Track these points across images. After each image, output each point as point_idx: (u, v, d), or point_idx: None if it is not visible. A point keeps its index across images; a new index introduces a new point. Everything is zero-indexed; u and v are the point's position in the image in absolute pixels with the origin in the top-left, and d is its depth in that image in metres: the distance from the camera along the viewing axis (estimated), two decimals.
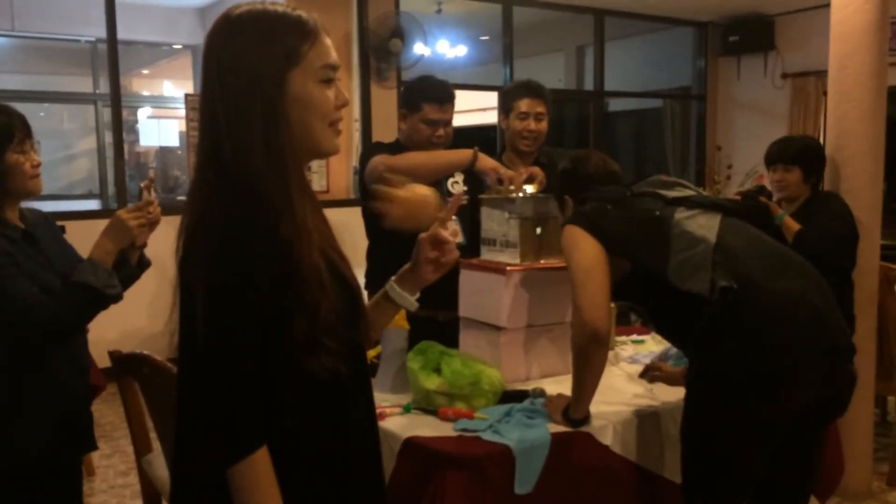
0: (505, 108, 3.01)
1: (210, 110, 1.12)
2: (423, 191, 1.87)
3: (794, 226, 2.93)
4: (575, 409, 1.88)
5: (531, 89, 2.97)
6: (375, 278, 2.65)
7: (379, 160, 2.45)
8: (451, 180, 2.72)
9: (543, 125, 2.94)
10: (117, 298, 1.82)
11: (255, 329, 1.07)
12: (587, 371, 1.86)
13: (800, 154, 3.02)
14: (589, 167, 2.14)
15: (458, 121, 8.54)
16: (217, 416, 1.06)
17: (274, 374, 1.09)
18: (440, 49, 7.78)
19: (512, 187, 2.31)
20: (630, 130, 9.40)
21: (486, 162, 2.40)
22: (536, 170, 2.54)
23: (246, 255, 1.06)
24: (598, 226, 1.91)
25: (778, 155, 3.05)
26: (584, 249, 1.90)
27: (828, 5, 3.07)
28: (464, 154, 2.43)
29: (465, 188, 2.72)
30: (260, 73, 1.11)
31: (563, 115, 9.29)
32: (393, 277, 1.42)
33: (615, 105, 8.70)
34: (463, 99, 7.92)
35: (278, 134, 1.11)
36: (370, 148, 2.73)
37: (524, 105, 2.92)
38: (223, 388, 1.06)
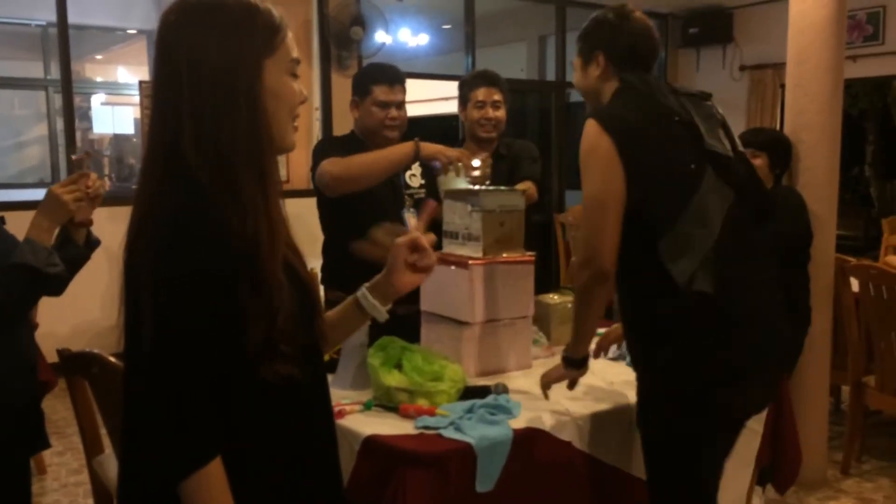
0: (463, 98, 3.03)
1: (171, 102, 1.06)
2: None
3: None
4: (574, 349, 1.86)
5: (487, 78, 3.00)
6: (332, 274, 2.62)
7: (326, 169, 2.41)
8: (408, 172, 2.70)
9: (501, 113, 2.97)
10: (60, 278, 1.75)
11: (206, 330, 1.01)
12: (589, 308, 1.83)
13: (769, 142, 3.09)
14: (634, 25, 1.93)
15: (421, 110, 8.46)
16: (166, 425, 1.00)
17: (227, 379, 1.04)
18: (402, 37, 7.71)
19: (461, 165, 2.30)
20: None
21: (428, 149, 2.38)
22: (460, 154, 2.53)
23: (198, 251, 1.01)
24: (631, 152, 1.74)
25: (747, 140, 3.08)
26: (606, 177, 1.75)
27: None
28: (406, 147, 2.40)
29: (423, 181, 2.70)
30: (239, 63, 1.06)
31: (525, 105, 9.29)
32: (366, 285, 1.36)
33: (577, 95, 8.72)
34: (425, 88, 7.88)
35: (258, 126, 1.08)
36: (320, 146, 2.67)
37: (481, 94, 2.95)
38: (172, 395, 1.00)
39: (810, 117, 2.92)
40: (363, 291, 1.35)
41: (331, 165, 2.42)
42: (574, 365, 1.88)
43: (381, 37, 5.86)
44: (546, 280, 6.41)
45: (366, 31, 5.61)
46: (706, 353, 1.74)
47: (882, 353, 3.20)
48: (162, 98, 1.08)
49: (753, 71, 7.05)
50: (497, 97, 2.96)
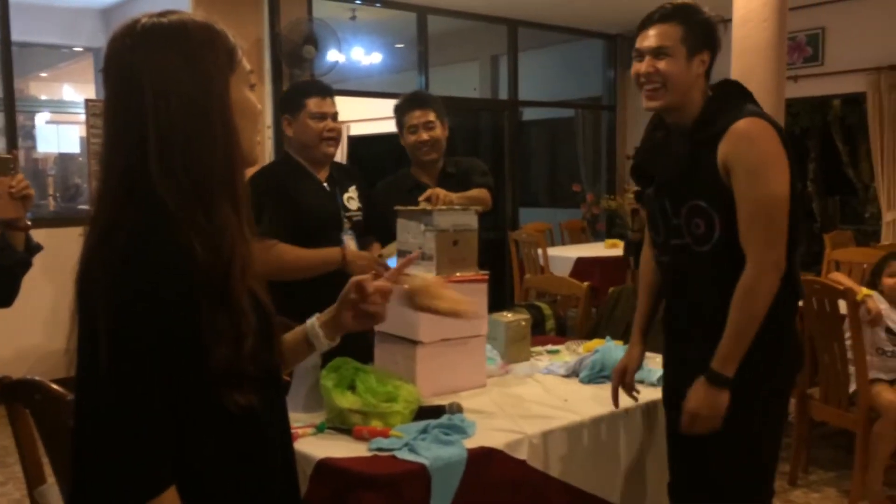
0: (399, 124, 2.99)
1: (133, 127, 1.03)
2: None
3: None
4: (730, 364, 1.77)
5: (415, 101, 2.97)
6: (276, 301, 2.55)
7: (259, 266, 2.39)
8: (346, 195, 2.67)
9: (437, 132, 2.92)
10: None
11: (164, 356, 0.99)
12: (756, 315, 1.77)
13: None
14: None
15: (375, 128, 8.46)
16: (121, 452, 0.97)
17: (184, 407, 1.01)
18: (355, 56, 7.72)
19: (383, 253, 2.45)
20: (544, 139, 9.57)
21: (356, 260, 2.39)
22: (436, 191, 2.54)
23: (157, 275, 0.99)
24: (788, 154, 1.78)
25: None
26: (786, 178, 1.76)
27: (730, 20, 3.19)
28: (333, 256, 2.44)
29: (360, 204, 2.69)
30: (210, 85, 1.05)
31: (478, 123, 9.36)
32: (317, 315, 1.36)
33: (529, 114, 8.84)
34: (378, 106, 7.87)
35: (232, 145, 1.07)
36: (253, 187, 2.58)
37: (412, 118, 2.92)
38: (127, 421, 0.97)
39: None
40: (312, 322, 1.35)
41: (259, 251, 2.38)
42: (727, 384, 1.78)
43: (333, 55, 5.86)
44: (500, 298, 6.44)
45: (318, 49, 5.60)
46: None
47: (826, 365, 3.29)
48: (122, 123, 1.05)
49: None
50: (429, 118, 2.90)
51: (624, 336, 2.86)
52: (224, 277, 1.03)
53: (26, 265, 1.81)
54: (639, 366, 2.12)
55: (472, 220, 2.26)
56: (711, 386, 1.79)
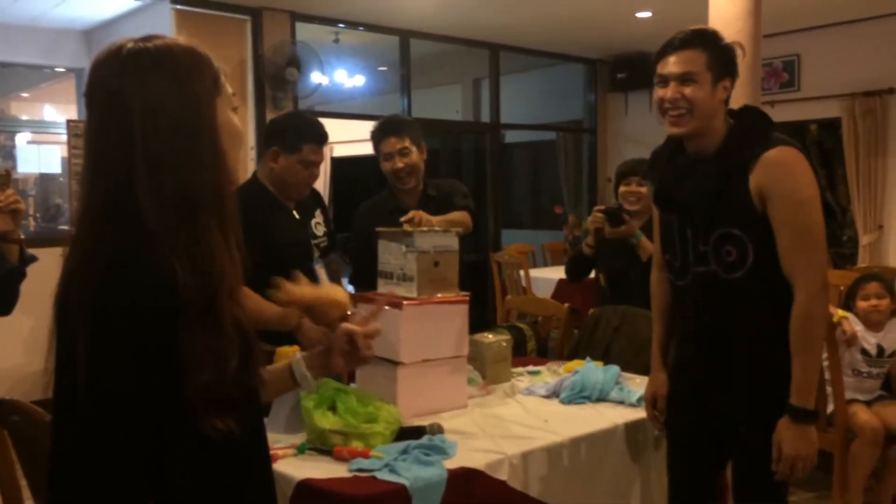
0: (376, 151, 3.00)
1: (119, 150, 1.03)
2: (333, 293, 1.80)
3: (650, 246, 3.01)
4: (809, 395, 1.77)
5: (388, 128, 2.95)
6: None
7: None
8: (314, 221, 2.65)
9: (412, 158, 2.92)
10: None
11: (142, 380, 0.99)
12: (818, 338, 1.82)
13: None
14: None
15: (357, 150, 8.48)
16: (95, 477, 0.97)
17: (163, 431, 1.01)
18: (338, 78, 7.77)
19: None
20: (526, 161, 9.64)
21: (308, 333, 2.23)
22: (418, 214, 2.55)
23: (139, 296, 0.99)
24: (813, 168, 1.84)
25: (633, 170, 3.21)
26: (819, 202, 1.82)
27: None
28: (291, 318, 2.27)
29: (325, 229, 2.69)
30: (199, 108, 1.06)
31: (461, 146, 9.42)
32: (302, 354, 1.40)
33: (512, 137, 8.91)
34: (362, 128, 7.92)
35: (220, 166, 1.08)
36: None
37: (386, 146, 2.92)
38: (102, 445, 0.97)
39: None
40: (298, 360, 1.38)
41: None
42: (813, 417, 1.79)
43: (317, 77, 5.90)
44: (483, 319, 6.45)
45: (301, 72, 5.64)
46: None
47: None
48: (108, 145, 1.05)
49: None
50: (403, 144, 2.90)
51: (604, 357, 2.88)
52: (211, 301, 1.03)
53: (21, 275, 1.84)
54: (666, 392, 2.10)
55: (452, 242, 2.28)
56: (800, 423, 1.78)
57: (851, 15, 6.02)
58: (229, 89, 1.14)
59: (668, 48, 1.88)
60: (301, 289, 2.37)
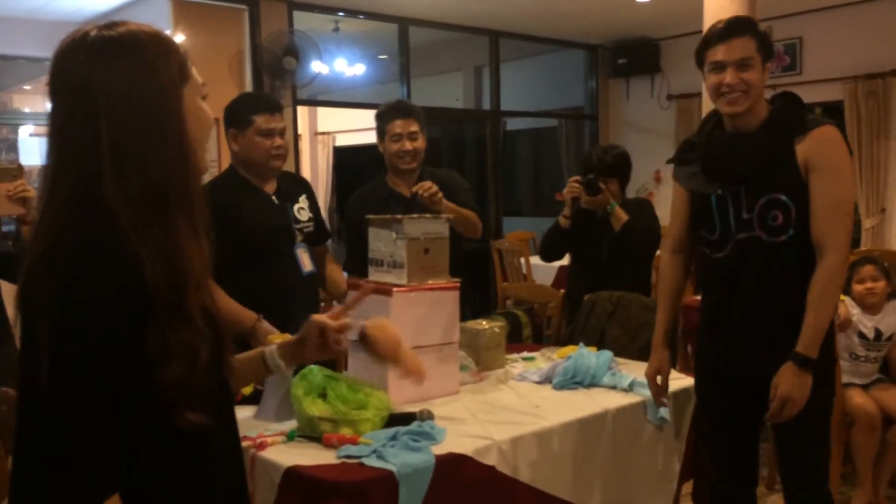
0: (380, 131, 3.00)
1: (85, 141, 1.02)
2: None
3: (624, 216, 3.12)
4: (815, 347, 1.93)
5: (401, 110, 2.97)
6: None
7: None
8: (297, 206, 2.63)
9: (419, 143, 2.96)
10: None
11: (107, 373, 0.98)
12: (835, 300, 1.99)
13: (622, 165, 3.29)
14: None
15: (358, 139, 8.48)
16: (57, 474, 0.95)
17: (131, 423, 1.00)
18: (338, 67, 7.75)
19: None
20: (528, 148, 9.61)
21: (262, 338, 2.23)
22: (426, 184, 2.58)
23: (104, 286, 0.98)
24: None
25: (603, 160, 3.28)
26: (852, 177, 2.01)
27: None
28: (248, 319, 2.32)
29: (311, 214, 2.67)
30: (165, 95, 1.05)
31: (462, 133, 9.40)
32: (277, 344, 1.41)
33: (514, 124, 8.88)
34: (363, 117, 7.92)
35: (187, 153, 1.07)
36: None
37: (397, 127, 2.93)
38: (66, 436, 0.96)
39: None
40: (271, 350, 1.39)
41: None
42: (813, 366, 1.94)
43: (317, 66, 5.88)
44: (486, 306, 6.45)
45: (299, 61, 5.62)
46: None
47: None
48: (73, 136, 1.04)
49: (680, 100, 7.29)
50: (413, 128, 2.93)
51: (600, 343, 2.89)
52: (179, 292, 1.02)
53: None
54: (669, 369, 2.24)
55: (443, 228, 2.28)
56: (800, 369, 1.94)
57: None
58: (198, 76, 1.13)
59: (718, 37, 2.04)
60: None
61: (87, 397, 0.97)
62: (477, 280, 6.76)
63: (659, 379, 2.21)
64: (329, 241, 2.91)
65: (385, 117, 2.96)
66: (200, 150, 1.12)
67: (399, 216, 2.24)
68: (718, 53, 2.03)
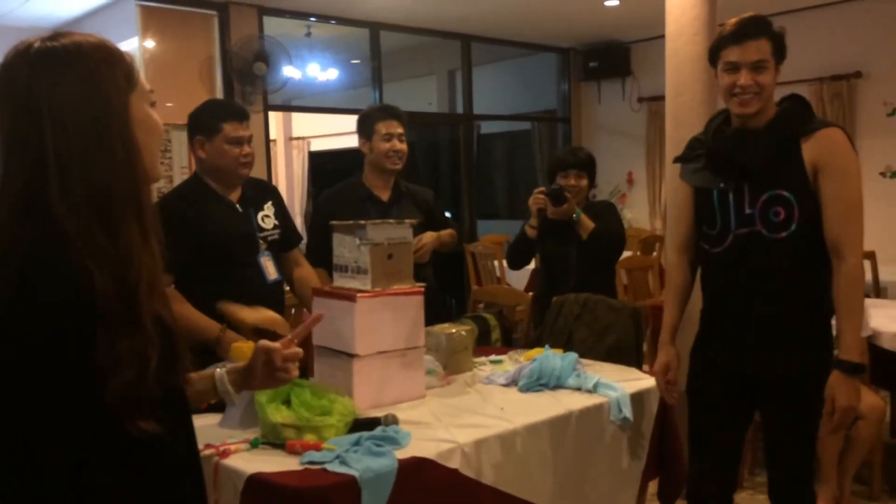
0: (366, 132, 3.06)
1: (30, 152, 1.03)
2: (269, 314, 2.18)
3: (590, 224, 3.18)
4: (857, 350, 1.94)
5: (391, 112, 3.07)
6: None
7: None
8: (261, 214, 2.62)
9: (405, 146, 3.05)
10: None
11: (55, 383, 0.98)
12: (863, 299, 1.99)
13: (589, 163, 3.33)
14: None
15: (333, 144, 8.45)
16: (11, 480, 0.97)
17: (81, 433, 1.00)
18: (311, 72, 7.74)
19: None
20: (503, 151, 9.66)
21: (226, 348, 2.26)
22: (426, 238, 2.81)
23: (53, 297, 0.99)
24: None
25: (567, 161, 3.33)
26: (859, 179, 2.01)
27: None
28: (212, 330, 2.34)
29: (276, 222, 2.67)
30: (109, 104, 1.06)
31: (437, 137, 9.42)
32: (225, 368, 1.41)
33: (488, 127, 8.92)
34: (338, 122, 7.90)
35: (134, 161, 1.07)
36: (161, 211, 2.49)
37: (388, 127, 3.01)
38: (19, 445, 0.97)
39: None
40: (221, 374, 1.40)
41: None
42: (862, 370, 1.95)
43: (289, 71, 5.88)
44: (461, 310, 6.46)
45: (269, 66, 5.61)
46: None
47: None
48: (18, 147, 1.05)
49: (651, 102, 7.36)
50: (400, 130, 3.03)
51: (567, 345, 2.91)
52: (129, 300, 1.02)
53: None
54: (678, 364, 2.27)
55: (406, 234, 2.29)
56: (849, 376, 1.96)
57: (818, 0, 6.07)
58: (145, 84, 1.13)
59: (734, 37, 2.04)
60: (242, 311, 2.42)
61: (38, 408, 0.98)
62: (452, 284, 6.78)
63: (669, 374, 2.25)
64: (303, 244, 2.92)
65: (374, 117, 3.04)
66: (150, 158, 1.13)
67: (362, 222, 2.25)
68: (733, 54, 2.03)
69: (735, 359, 2.14)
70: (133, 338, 1.02)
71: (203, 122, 2.52)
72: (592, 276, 3.19)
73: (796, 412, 2.04)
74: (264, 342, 1.40)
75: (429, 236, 2.95)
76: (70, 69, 1.05)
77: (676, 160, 2.29)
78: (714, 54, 2.11)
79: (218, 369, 1.41)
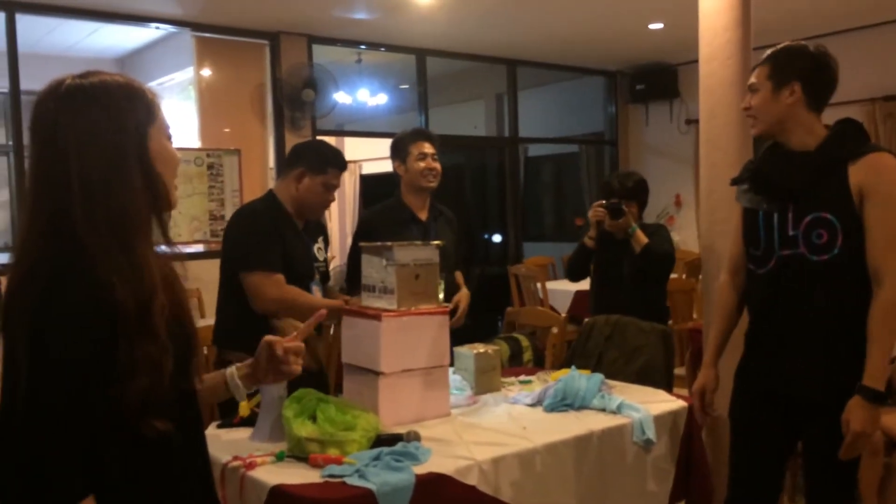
0: (400, 155, 3.21)
1: (56, 178, 1.14)
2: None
3: (644, 239, 3.24)
4: (882, 379, 1.93)
5: (422, 134, 3.25)
6: (229, 335, 2.68)
7: (268, 294, 2.60)
8: (315, 245, 2.84)
9: (438, 164, 3.20)
10: None
11: (80, 384, 1.08)
12: (894, 332, 1.96)
13: (640, 191, 3.44)
14: (833, 64, 2.11)
15: (383, 167, 8.65)
16: (32, 472, 1.06)
17: (100, 433, 1.10)
18: (361, 97, 7.92)
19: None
20: (550, 174, 9.68)
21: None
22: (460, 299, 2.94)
23: (78, 306, 1.09)
24: None
25: (617, 191, 3.40)
26: None
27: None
28: (334, 305, 2.54)
29: (324, 256, 2.88)
30: (127, 132, 1.17)
31: (485, 160, 9.50)
32: (236, 365, 1.50)
33: (536, 150, 8.96)
34: (385, 146, 8.08)
35: (150, 186, 1.19)
36: (251, 227, 2.70)
37: (422, 147, 3.16)
38: (42, 443, 1.06)
39: (721, 170, 3.05)
40: (231, 371, 1.48)
41: (274, 290, 2.60)
42: (883, 399, 1.94)
43: (340, 97, 6.04)
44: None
45: (317, 92, 5.79)
46: None
47: None
48: (47, 173, 1.16)
49: (699, 124, 7.29)
50: (433, 150, 3.18)
51: (596, 366, 2.93)
52: (145, 311, 1.13)
53: None
54: (716, 387, 2.28)
55: (433, 255, 2.35)
56: (870, 403, 1.93)
57: (868, 20, 5.97)
58: (165, 119, 1.24)
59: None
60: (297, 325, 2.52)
61: (60, 411, 1.08)
62: (497, 305, 6.81)
63: (706, 396, 2.26)
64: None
65: (408, 139, 3.20)
66: (166, 186, 1.23)
67: (389, 244, 2.32)
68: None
69: (775, 381, 2.12)
70: (149, 345, 1.12)
71: (312, 159, 2.74)
72: (643, 292, 3.24)
73: (835, 438, 2.01)
74: (269, 337, 1.47)
75: (465, 298, 3.07)
76: (94, 103, 1.17)
77: (733, 182, 2.30)
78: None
79: (230, 368, 1.49)
